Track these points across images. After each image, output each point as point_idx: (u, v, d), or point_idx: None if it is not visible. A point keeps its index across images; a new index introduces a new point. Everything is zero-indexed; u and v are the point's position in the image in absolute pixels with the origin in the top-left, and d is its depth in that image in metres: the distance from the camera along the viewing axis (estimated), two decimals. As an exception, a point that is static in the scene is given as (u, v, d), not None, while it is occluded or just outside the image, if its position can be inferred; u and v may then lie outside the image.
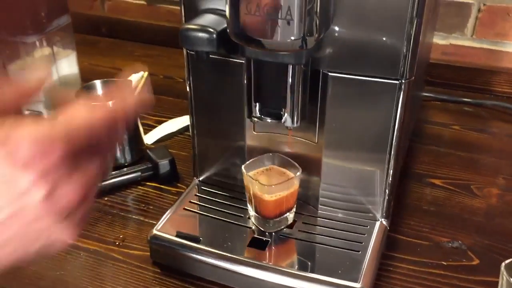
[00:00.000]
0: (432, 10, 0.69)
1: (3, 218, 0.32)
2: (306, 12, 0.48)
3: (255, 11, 0.48)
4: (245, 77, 0.59)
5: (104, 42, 1.32)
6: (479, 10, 0.97)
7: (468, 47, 1.01)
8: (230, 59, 0.61)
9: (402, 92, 0.56)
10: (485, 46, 1.00)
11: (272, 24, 0.49)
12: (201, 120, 0.70)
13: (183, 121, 0.95)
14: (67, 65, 0.98)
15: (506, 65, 1.01)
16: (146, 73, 1.13)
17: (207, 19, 0.56)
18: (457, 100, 0.99)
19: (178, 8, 0.61)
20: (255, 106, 0.58)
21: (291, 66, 0.54)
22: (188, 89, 0.67)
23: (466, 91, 1.02)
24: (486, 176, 0.80)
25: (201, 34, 0.54)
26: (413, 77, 0.56)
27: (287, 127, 0.58)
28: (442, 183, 0.79)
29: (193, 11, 0.59)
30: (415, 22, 0.52)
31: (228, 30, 0.53)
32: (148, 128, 0.93)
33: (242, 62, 0.60)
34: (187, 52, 0.64)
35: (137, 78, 1.10)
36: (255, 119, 0.59)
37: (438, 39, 1.03)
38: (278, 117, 0.58)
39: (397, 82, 0.55)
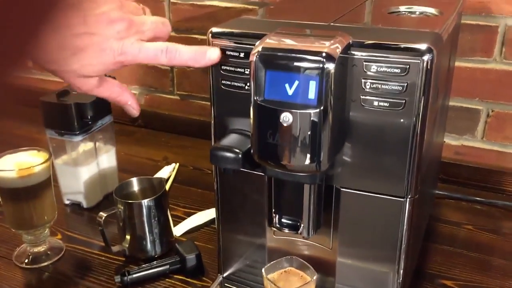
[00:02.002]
0: (435, 129, 0.76)
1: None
2: (319, 145, 0.55)
3: (275, 139, 0.57)
4: (266, 190, 0.67)
5: (140, 132, 1.43)
6: (488, 115, 1.04)
7: (479, 149, 1.07)
8: (254, 172, 0.69)
9: (407, 208, 0.62)
10: (495, 148, 1.06)
11: (290, 151, 0.56)
12: (226, 218, 0.76)
13: (210, 213, 1.01)
14: (107, 159, 1.07)
15: (517, 167, 1.06)
16: (177, 164, 1.23)
17: (233, 139, 0.64)
18: (470, 199, 1.03)
19: (208, 103, 0.69)
20: (275, 216, 0.65)
21: (306, 185, 0.61)
22: (215, 187, 0.74)
23: (480, 190, 1.07)
24: (496, 279, 0.84)
25: (228, 154, 0.62)
26: (417, 195, 0.62)
27: (303, 237, 0.65)
28: (454, 284, 0.83)
29: (222, 129, 0.68)
30: (416, 152, 0.59)
31: (251, 151, 0.61)
32: (177, 219, 1.00)
33: (264, 176, 0.68)
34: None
35: (169, 170, 1.19)
36: (274, 228, 0.66)
37: (450, 140, 1.09)
38: (296, 228, 0.64)
39: (402, 199, 0.62)
